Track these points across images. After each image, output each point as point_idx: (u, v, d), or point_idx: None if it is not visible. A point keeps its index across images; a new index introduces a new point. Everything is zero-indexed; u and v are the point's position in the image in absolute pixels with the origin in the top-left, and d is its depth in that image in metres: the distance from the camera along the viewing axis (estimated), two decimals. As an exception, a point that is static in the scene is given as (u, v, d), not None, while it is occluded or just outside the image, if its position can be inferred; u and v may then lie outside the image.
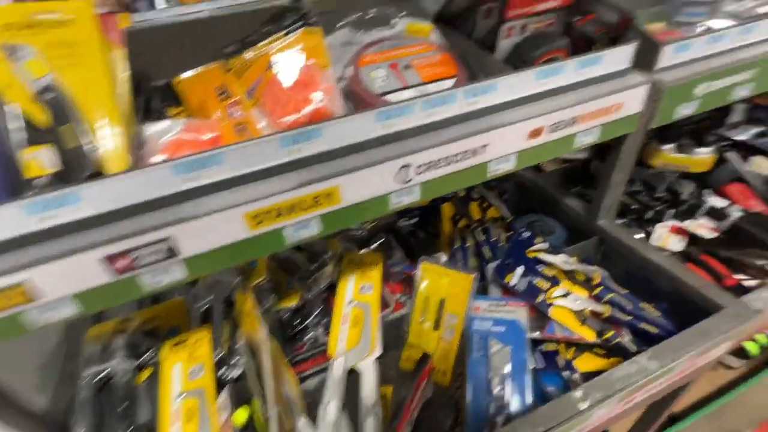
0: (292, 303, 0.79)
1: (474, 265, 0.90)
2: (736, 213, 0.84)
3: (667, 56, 0.73)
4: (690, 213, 0.88)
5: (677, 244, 0.86)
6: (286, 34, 0.62)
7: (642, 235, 0.91)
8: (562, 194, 1.04)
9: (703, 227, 0.84)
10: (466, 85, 0.59)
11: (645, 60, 0.72)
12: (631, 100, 0.69)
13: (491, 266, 0.85)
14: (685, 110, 0.79)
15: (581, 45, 0.67)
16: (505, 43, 0.64)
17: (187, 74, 0.66)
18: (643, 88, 0.69)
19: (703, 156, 0.99)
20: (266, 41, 0.63)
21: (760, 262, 0.76)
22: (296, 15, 0.64)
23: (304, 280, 0.80)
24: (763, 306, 0.72)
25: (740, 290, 0.77)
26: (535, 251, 0.83)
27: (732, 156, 0.98)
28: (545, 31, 0.65)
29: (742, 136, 1.12)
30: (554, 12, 0.65)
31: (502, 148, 0.63)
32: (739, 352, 1.38)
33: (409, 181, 0.59)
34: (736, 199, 0.93)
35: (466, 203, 1.03)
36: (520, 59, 0.63)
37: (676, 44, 0.72)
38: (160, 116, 0.62)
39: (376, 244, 1.00)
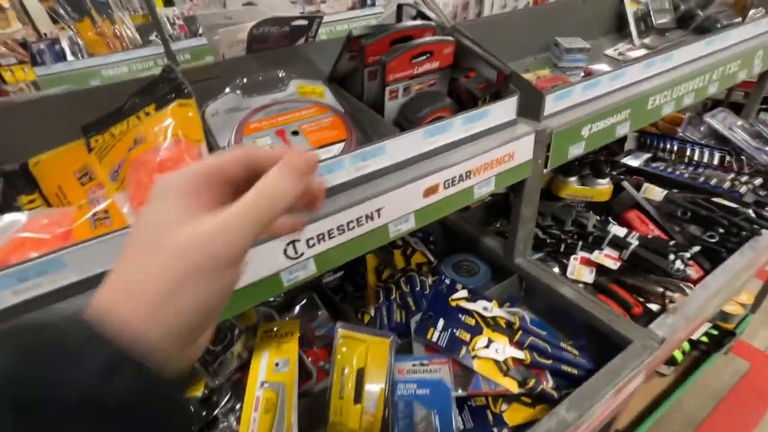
0: (196, 393, 0.70)
1: (399, 319, 0.87)
2: (635, 241, 0.90)
3: (551, 104, 0.77)
4: (597, 244, 0.92)
5: (589, 275, 0.89)
6: (157, 108, 0.57)
7: (557, 269, 0.94)
8: (483, 232, 1.05)
9: (609, 257, 0.88)
10: (353, 151, 0.57)
11: (532, 109, 0.76)
12: (521, 149, 0.72)
13: (415, 320, 0.82)
14: (576, 150, 0.84)
15: (468, 101, 0.69)
16: (391, 105, 0.64)
17: (45, 155, 0.58)
18: (530, 137, 0.72)
19: (602, 186, 1.05)
20: (133, 116, 0.58)
21: (659, 289, 0.79)
22: (169, 86, 0.60)
23: (209, 365, 0.71)
24: (667, 332, 0.74)
25: (648, 316, 0.80)
26: (456, 299, 0.82)
27: (627, 184, 1.06)
28: (428, 92, 0.66)
29: (635, 162, 1.22)
30: (436, 72, 0.66)
31: (399, 210, 0.61)
32: (669, 360, 1.46)
33: (300, 255, 0.55)
34: (635, 225, 0.99)
35: (389, 252, 1.01)
36: (407, 120, 0.63)
37: (556, 93, 0.77)
38: (4, 207, 0.54)
39: (298, 307, 0.94)
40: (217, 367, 0.72)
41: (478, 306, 0.80)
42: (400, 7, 0.74)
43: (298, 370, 0.72)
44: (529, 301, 0.95)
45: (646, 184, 1.07)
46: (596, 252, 0.91)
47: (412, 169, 0.62)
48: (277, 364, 0.74)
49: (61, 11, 2.43)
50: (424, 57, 0.64)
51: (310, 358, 0.84)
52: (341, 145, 0.62)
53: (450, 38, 0.65)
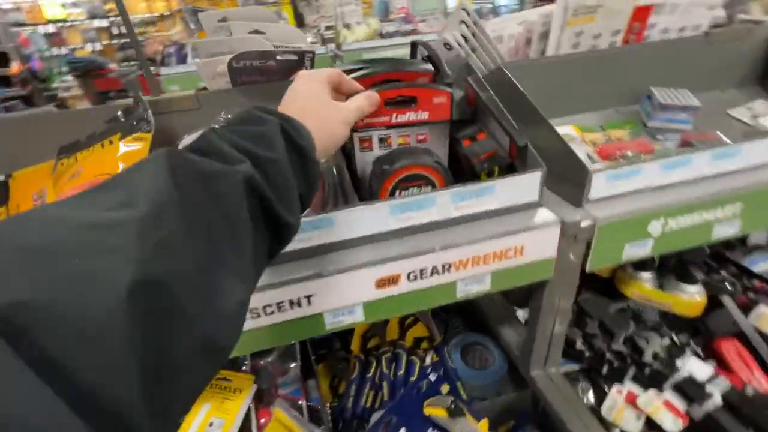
0: None
1: (366, 403, 0.73)
2: (718, 392, 0.61)
3: (603, 185, 0.56)
4: (655, 381, 0.65)
5: (633, 422, 0.63)
6: (121, 137, 0.54)
7: (591, 397, 0.69)
8: (507, 313, 0.84)
9: (669, 407, 0.61)
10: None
11: (573, 188, 0.56)
12: (539, 243, 0.53)
13: (375, 417, 0.67)
14: (638, 250, 0.60)
15: (469, 170, 0.52)
16: (363, 157, 0.52)
17: (21, 171, 0.60)
18: (554, 228, 0.52)
19: (689, 296, 0.76)
20: (98, 144, 0.56)
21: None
22: (139, 116, 0.57)
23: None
24: None
25: None
26: (431, 407, 0.64)
27: (728, 301, 0.74)
28: (411, 147, 0.52)
29: (760, 265, 0.87)
30: (424, 126, 0.52)
31: (339, 299, 0.49)
32: None
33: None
34: (730, 364, 0.69)
35: (385, 316, 0.87)
36: (374, 176, 0.50)
37: (613, 171, 0.55)
38: (-32, 218, 0.55)
39: (275, 353, 0.86)
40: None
41: (458, 428, 0.62)
42: (414, 45, 0.61)
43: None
44: (546, 427, 0.72)
45: (764, 307, 0.74)
46: (652, 392, 0.64)
47: (367, 250, 0.49)
48: (211, 424, 0.67)
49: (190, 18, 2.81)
50: (407, 105, 0.50)
51: (263, 419, 0.75)
52: (292, 206, 0.52)
53: (444, 87, 0.50)
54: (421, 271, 0.49)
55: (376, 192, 0.48)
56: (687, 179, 0.59)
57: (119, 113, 0.58)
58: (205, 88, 0.67)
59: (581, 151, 0.70)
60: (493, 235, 0.50)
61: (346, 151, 0.58)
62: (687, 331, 0.81)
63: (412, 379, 0.76)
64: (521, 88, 0.63)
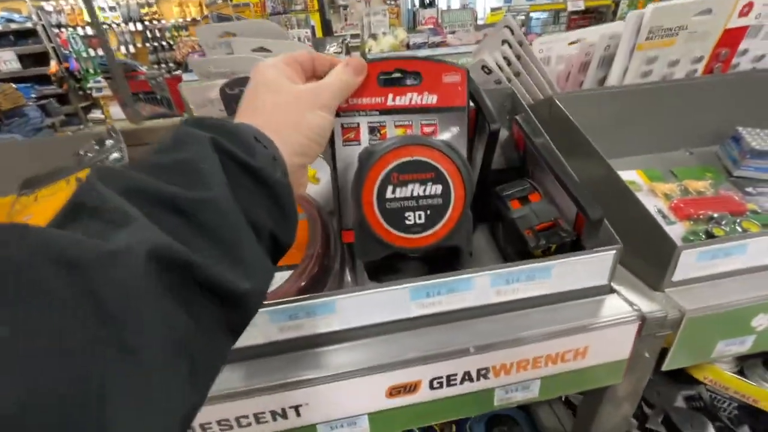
0: None
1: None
2: None
3: (692, 264, 0.42)
4: None
5: None
6: (76, 178, 0.45)
7: None
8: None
9: None
10: (282, 301, 0.35)
11: (649, 266, 0.43)
12: (608, 341, 0.39)
13: None
14: (733, 347, 0.46)
15: (514, 238, 0.40)
16: (346, 153, 0.39)
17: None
18: (629, 325, 0.39)
19: (781, 392, 0.60)
20: (63, 179, 0.46)
21: None
22: (113, 148, 0.47)
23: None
24: None
25: None
26: None
27: (838, 405, 0.58)
28: (413, 136, 0.39)
29: None
30: (433, 113, 0.38)
31: (337, 409, 0.37)
32: None
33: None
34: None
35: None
36: (355, 184, 0.37)
37: (710, 247, 0.42)
38: None
39: None
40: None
41: None
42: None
43: None
44: None
45: None
46: None
47: (377, 345, 0.37)
48: None
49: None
50: (408, 81, 0.38)
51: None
52: (286, 275, 0.40)
53: (456, 64, 0.37)
54: (449, 378, 0.37)
55: (357, 187, 0.33)
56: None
57: (93, 142, 0.49)
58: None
59: (650, 206, 0.56)
60: (548, 334, 0.37)
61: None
62: (773, 430, 0.65)
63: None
64: (581, 129, 0.51)
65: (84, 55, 5.36)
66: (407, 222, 0.34)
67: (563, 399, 0.71)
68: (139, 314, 0.17)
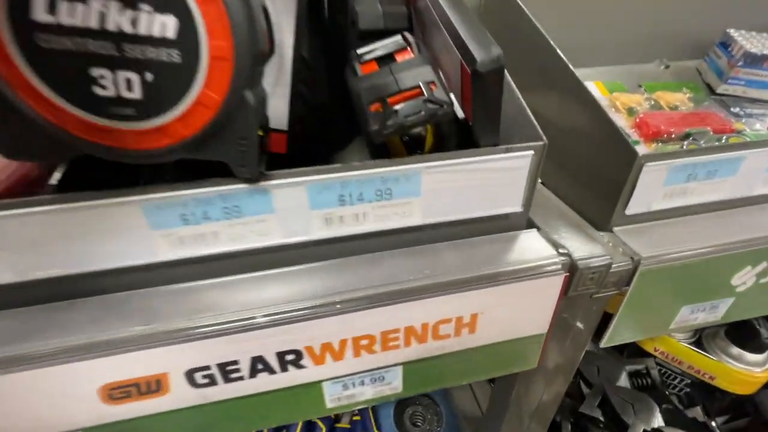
0: None
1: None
2: None
3: (658, 188, 0.27)
4: None
5: None
6: None
7: None
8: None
9: None
10: None
11: (601, 200, 0.27)
12: (514, 306, 0.24)
13: None
14: (701, 316, 0.32)
15: (359, 116, 0.22)
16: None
17: None
18: (552, 278, 0.23)
19: (746, 368, 0.49)
20: None
21: None
22: None
23: None
24: None
25: None
26: None
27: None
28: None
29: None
30: None
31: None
32: None
33: None
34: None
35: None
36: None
37: (690, 158, 0.26)
38: None
39: None
40: None
41: None
42: None
43: None
44: None
45: None
46: None
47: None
48: None
49: None
50: None
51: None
52: None
53: None
54: (224, 368, 0.20)
55: None
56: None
57: None
58: None
59: (608, 123, 0.41)
60: (407, 291, 0.21)
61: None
62: (728, 411, 0.55)
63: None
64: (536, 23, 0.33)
65: None
66: (97, 92, 0.16)
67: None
68: None
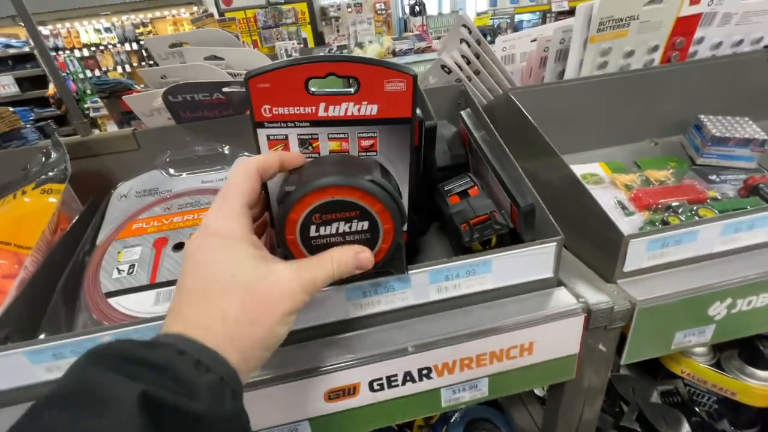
0: None
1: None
2: None
3: (643, 253, 0.41)
4: None
5: None
6: (35, 187, 0.45)
7: None
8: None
9: None
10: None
11: (601, 257, 0.42)
12: (554, 336, 0.38)
13: None
14: (693, 338, 0.45)
15: (453, 232, 0.39)
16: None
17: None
18: (575, 318, 0.38)
19: (757, 383, 0.58)
20: (10, 194, 0.46)
21: None
22: (57, 162, 0.47)
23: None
24: None
25: None
26: None
27: (816, 394, 0.56)
28: (348, 157, 0.35)
29: None
30: (373, 126, 0.32)
31: (277, 414, 0.36)
32: None
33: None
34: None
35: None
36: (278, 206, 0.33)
37: (657, 236, 0.41)
38: None
39: None
40: None
41: None
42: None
43: None
44: None
45: None
46: None
47: (313, 348, 0.36)
48: None
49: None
50: (349, 83, 0.33)
51: None
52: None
53: (405, 69, 0.30)
54: (390, 379, 0.36)
55: (279, 231, 0.30)
56: (763, 242, 0.44)
57: (40, 155, 0.49)
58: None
59: (610, 198, 0.56)
60: (488, 331, 0.36)
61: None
62: (755, 423, 0.63)
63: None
64: (530, 118, 0.50)
65: (81, 76, 5.44)
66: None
67: (541, 401, 0.69)
68: None
